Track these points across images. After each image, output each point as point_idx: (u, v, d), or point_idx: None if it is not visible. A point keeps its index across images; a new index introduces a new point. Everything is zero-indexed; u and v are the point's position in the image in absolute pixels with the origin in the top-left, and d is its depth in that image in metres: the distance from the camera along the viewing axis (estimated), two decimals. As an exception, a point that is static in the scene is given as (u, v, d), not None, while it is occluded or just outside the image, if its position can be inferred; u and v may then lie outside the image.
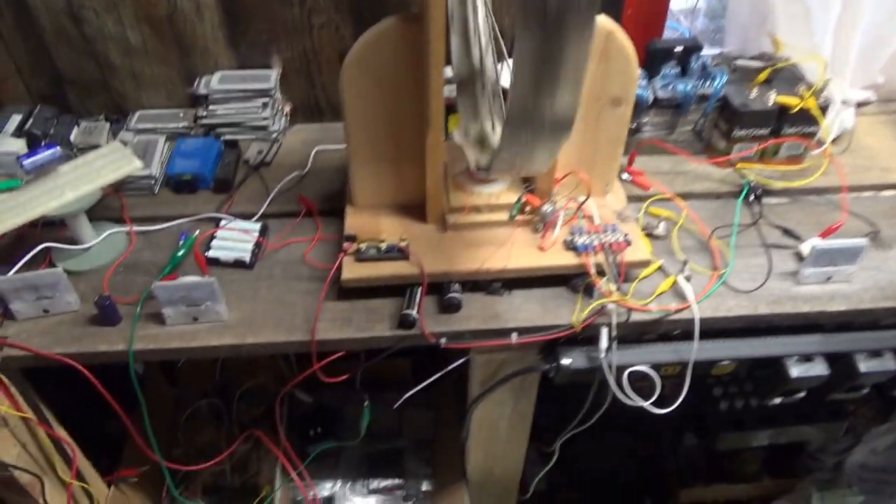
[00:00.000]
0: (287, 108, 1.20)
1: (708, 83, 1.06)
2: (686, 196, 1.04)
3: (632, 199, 1.01)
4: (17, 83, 1.17)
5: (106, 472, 1.14)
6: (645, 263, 0.91)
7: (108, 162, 0.93)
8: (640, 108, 1.05)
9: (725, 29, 1.25)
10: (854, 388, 1.09)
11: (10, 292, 0.85)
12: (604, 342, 0.87)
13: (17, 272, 0.88)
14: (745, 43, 1.20)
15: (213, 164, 1.09)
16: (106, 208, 1.03)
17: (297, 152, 1.15)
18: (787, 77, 1.08)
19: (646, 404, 0.86)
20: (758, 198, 1.04)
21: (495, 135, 0.82)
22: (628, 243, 0.90)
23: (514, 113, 0.62)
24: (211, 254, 0.95)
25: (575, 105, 0.62)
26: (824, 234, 0.97)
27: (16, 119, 1.10)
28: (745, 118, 1.04)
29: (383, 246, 0.89)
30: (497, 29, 0.81)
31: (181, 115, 1.16)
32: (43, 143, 1.07)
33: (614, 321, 0.87)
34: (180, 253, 0.94)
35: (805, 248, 0.95)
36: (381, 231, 0.94)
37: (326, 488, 1.27)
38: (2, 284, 0.84)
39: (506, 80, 0.68)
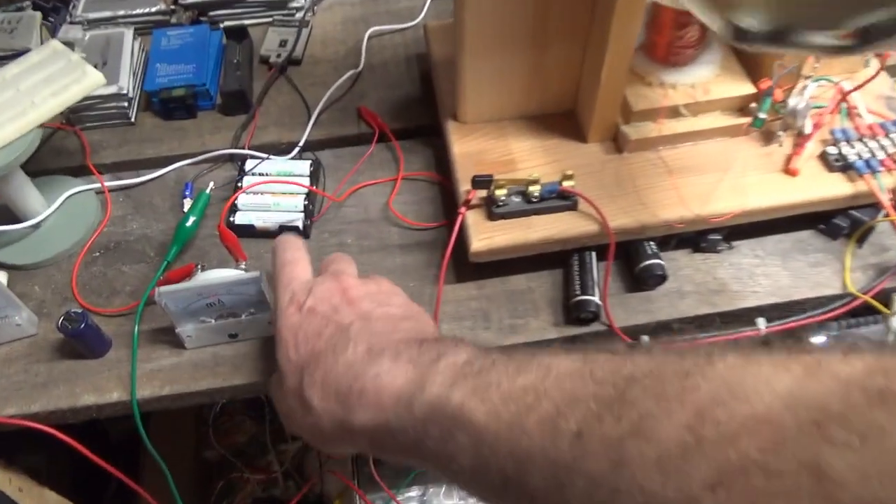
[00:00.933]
0: (311, -27, 0.79)
1: None
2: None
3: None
4: None
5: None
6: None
7: (46, 77, 0.55)
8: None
9: None
10: None
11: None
12: (908, 321, 0.53)
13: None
14: None
15: (214, 67, 0.70)
16: (57, 155, 0.65)
17: (339, 39, 0.76)
18: None
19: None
20: None
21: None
22: (938, 153, 0.54)
23: None
24: (239, 219, 0.58)
25: None
26: None
27: None
28: None
29: (536, 190, 0.52)
30: None
31: (152, -7, 0.75)
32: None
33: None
34: (189, 222, 0.58)
35: None
36: (514, 162, 0.57)
37: (412, 497, 0.98)
38: None
39: None
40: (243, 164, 0.62)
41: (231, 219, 0.58)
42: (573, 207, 0.53)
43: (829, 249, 0.56)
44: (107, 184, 0.63)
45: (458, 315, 0.54)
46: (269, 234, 0.58)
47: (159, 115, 0.68)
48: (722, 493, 0.19)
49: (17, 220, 0.58)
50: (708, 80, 0.56)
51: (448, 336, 0.38)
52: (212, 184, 0.60)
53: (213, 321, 0.52)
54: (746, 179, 0.54)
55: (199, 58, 0.69)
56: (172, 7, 0.75)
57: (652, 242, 0.55)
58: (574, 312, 0.53)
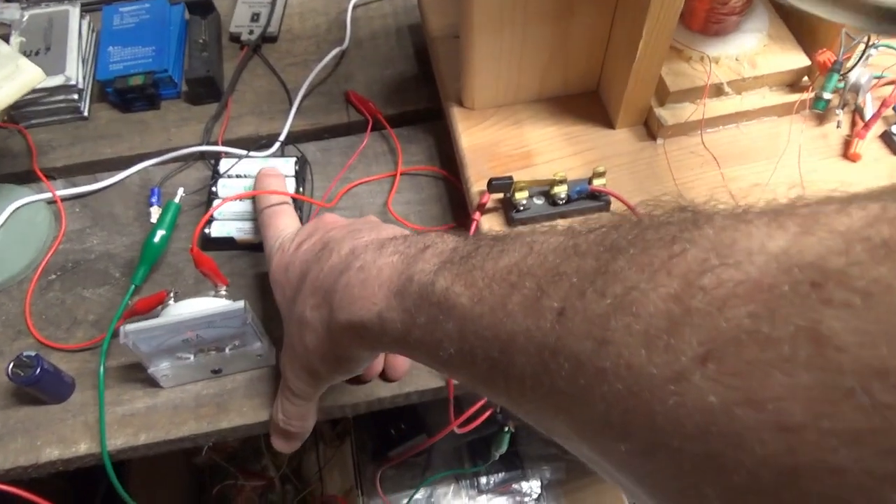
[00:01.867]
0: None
1: None
2: None
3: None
4: None
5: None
6: None
7: (-27, 74, 0.46)
8: None
9: None
10: None
11: None
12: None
13: None
14: None
15: (177, 49, 0.60)
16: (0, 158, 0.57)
17: (319, 11, 0.66)
18: None
19: None
20: None
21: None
22: None
23: None
24: (216, 231, 0.50)
25: None
26: None
27: None
28: None
29: (562, 191, 0.45)
30: None
31: (100, -38, 0.65)
32: None
33: None
34: (157, 237, 0.50)
35: None
36: (532, 155, 0.49)
37: (419, 499, 0.92)
38: None
39: None
40: (217, 163, 0.53)
41: (206, 231, 0.50)
42: (605, 208, 0.46)
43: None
44: (59, 192, 0.54)
45: (475, 336, 0.47)
46: (253, 247, 0.51)
47: (116, 107, 0.59)
48: (712, 365, 0.17)
49: (-45, 242, 0.50)
50: (754, 51, 0.49)
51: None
52: (181, 190, 0.52)
53: (191, 357, 0.44)
54: (802, 167, 0.47)
55: (159, 38, 0.59)
56: (124, -22, 0.65)
57: (693, 243, 0.48)
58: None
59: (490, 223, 0.46)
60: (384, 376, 0.46)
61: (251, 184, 0.51)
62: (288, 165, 0.53)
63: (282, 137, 0.56)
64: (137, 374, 0.46)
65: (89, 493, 0.85)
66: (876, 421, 0.15)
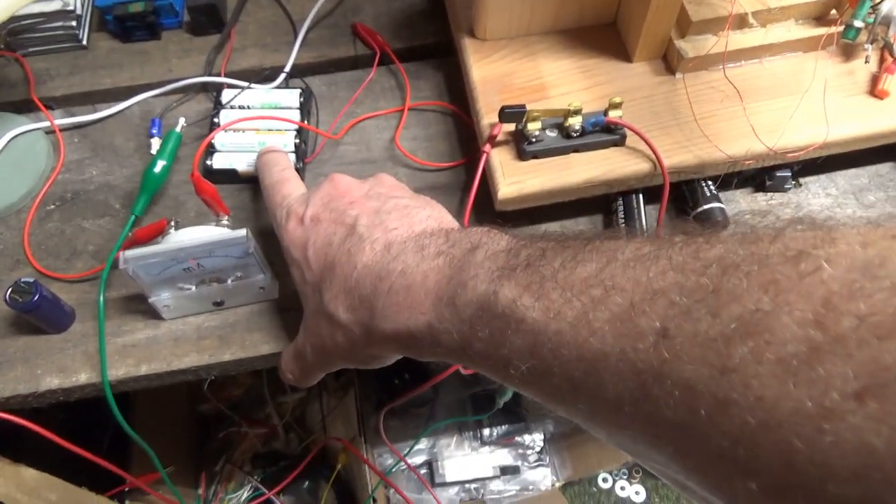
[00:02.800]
0: None
1: None
2: None
3: None
4: None
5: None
6: None
7: (-34, -9, 0.44)
8: None
9: None
10: None
11: None
12: None
13: None
14: None
15: (178, -23, 0.58)
16: (-4, 86, 0.55)
17: (325, -58, 0.64)
18: None
19: None
20: None
21: None
22: None
23: None
24: (218, 163, 0.49)
25: None
26: None
27: None
28: None
29: (576, 123, 0.43)
30: None
31: None
32: None
33: None
34: (158, 167, 0.48)
35: None
36: (546, 88, 0.47)
37: (422, 448, 0.93)
38: None
39: None
40: (219, 94, 0.52)
41: (208, 162, 0.49)
42: (620, 143, 0.44)
43: (913, 185, 0.48)
44: (58, 121, 0.52)
45: (482, 273, 0.46)
46: (255, 180, 0.49)
47: (116, 36, 0.57)
48: (873, 403, 0.15)
49: (-49, 169, 0.48)
50: (780, -19, 0.46)
51: (473, 225, 0.33)
52: (182, 120, 0.50)
53: (193, 288, 0.43)
54: (827, 104, 0.45)
55: (160, -35, 0.57)
56: None
57: (710, 182, 0.46)
58: (619, 267, 0.45)
59: (501, 157, 0.45)
60: None
61: (254, 114, 0.50)
62: (292, 97, 0.51)
63: (286, 69, 0.54)
64: (138, 305, 0.46)
65: (96, 440, 0.85)
66: None
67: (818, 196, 0.48)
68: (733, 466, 0.18)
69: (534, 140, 0.43)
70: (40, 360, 0.45)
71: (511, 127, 0.44)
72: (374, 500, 0.81)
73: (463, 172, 0.50)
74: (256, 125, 0.49)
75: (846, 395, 0.16)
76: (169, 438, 0.90)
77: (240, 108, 0.51)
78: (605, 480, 1.01)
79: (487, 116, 0.46)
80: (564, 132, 0.43)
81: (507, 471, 0.91)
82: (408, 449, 0.90)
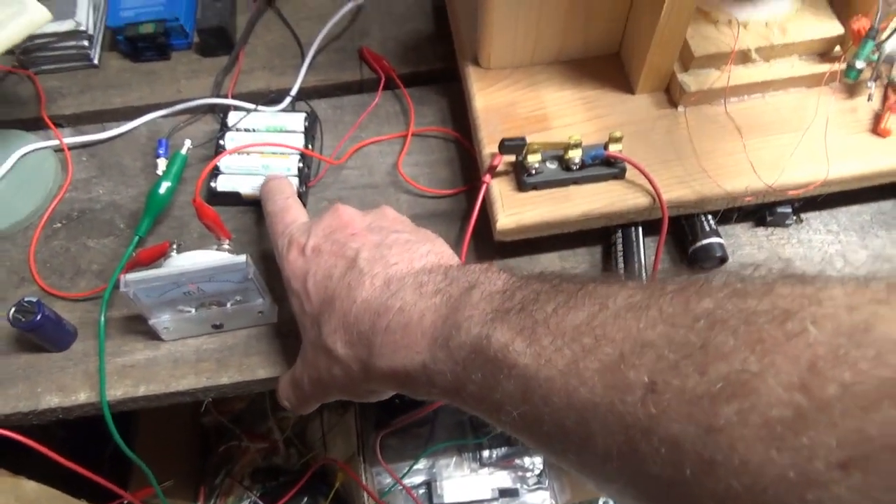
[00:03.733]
0: None
1: None
2: None
3: None
4: None
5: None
6: None
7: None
8: None
9: None
10: None
11: None
12: None
13: None
14: None
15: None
16: (7, 104, 0.56)
17: (336, -35, 0.64)
18: None
19: None
20: None
21: None
22: None
23: None
24: (222, 185, 0.50)
25: None
26: None
27: None
28: None
29: (576, 156, 0.43)
30: None
31: None
32: None
33: None
34: (163, 189, 0.49)
35: None
36: (548, 118, 0.48)
37: (420, 469, 0.92)
38: None
39: None
40: (226, 116, 0.52)
41: (212, 185, 0.49)
42: (620, 176, 0.44)
43: (915, 223, 0.48)
44: (67, 140, 0.53)
45: (480, 302, 0.46)
46: (258, 202, 0.50)
47: (127, 56, 0.58)
48: (857, 474, 0.15)
49: (-40, 186, 0.49)
50: (786, 16, 0.46)
51: (473, 262, 0.33)
52: (188, 142, 0.51)
53: (193, 311, 0.44)
54: (829, 141, 0.45)
55: (171, -13, 0.58)
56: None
57: (710, 216, 0.46)
58: (617, 300, 0.45)
59: (501, 187, 0.45)
60: None
61: (259, 138, 0.50)
62: (297, 120, 0.52)
63: (293, 93, 0.54)
64: (139, 326, 0.46)
65: (97, 453, 0.86)
66: None
67: (819, 232, 0.48)
68: None
69: (534, 172, 0.43)
70: (41, 378, 0.45)
71: (512, 157, 0.45)
72: (372, 519, 0.81)
73: (464, 200, 0.50)
74: (261, 148, 0.50)
75: (830, 465, 0.16)
76: (172, 450, 0.91)
77: (245, 130, 0.51)
78: None
79: (489, 146, 0.46)
80: (564, 164, 0.44)
81: (506, 493, 0.91)
82: (406, 469, 0.90)
